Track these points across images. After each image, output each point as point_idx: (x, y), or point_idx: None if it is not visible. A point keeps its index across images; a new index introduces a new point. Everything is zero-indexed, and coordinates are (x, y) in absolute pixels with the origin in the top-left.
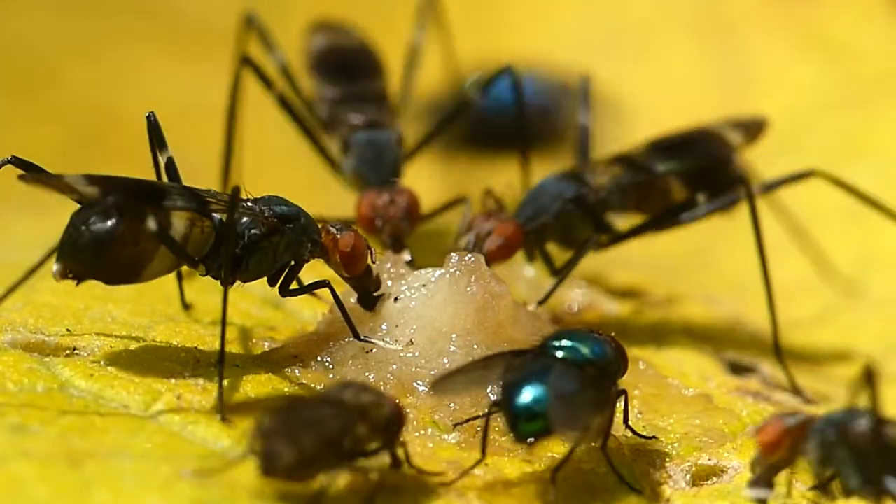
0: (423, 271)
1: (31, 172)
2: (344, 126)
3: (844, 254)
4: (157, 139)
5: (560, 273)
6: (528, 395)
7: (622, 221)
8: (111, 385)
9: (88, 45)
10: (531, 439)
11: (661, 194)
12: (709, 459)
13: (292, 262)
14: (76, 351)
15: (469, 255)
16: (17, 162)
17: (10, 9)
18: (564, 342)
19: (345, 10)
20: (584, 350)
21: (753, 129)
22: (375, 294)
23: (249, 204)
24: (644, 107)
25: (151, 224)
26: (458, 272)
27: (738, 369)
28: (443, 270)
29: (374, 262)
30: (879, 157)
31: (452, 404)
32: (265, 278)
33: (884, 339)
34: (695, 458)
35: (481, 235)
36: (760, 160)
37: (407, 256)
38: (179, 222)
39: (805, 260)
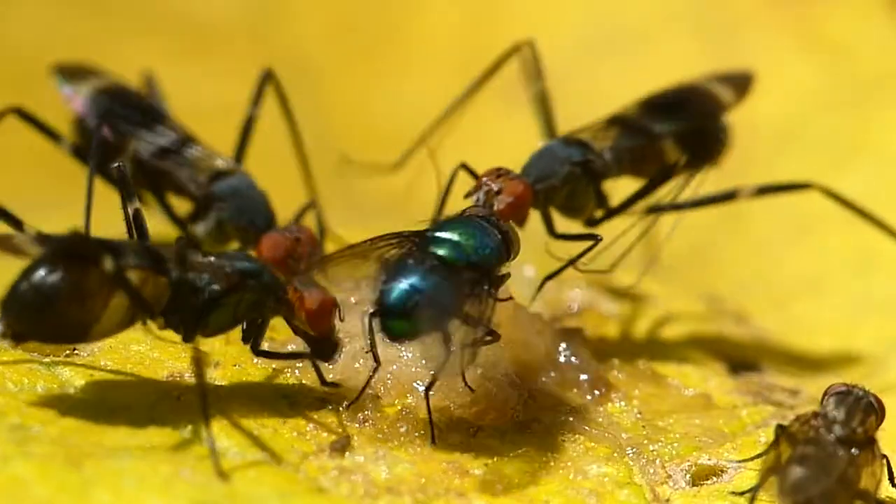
0: None
1: None
2: (189, 181)
3: (845, 254)
4: (126, 190)
5: (560, 238)
6: (398, 295)
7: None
8: (111, 385)
9: (88, 45)
10: (401, 338)
11: (656, 156)
12: (709, 459)
13: (259, 320)
14: (76, 351)
15: None
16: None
17: (10, 9)
18: (447, 235)
19: (345, 11)
20: (467, 248)
21: (742, 84)
22: (334, 343)
23: (210, 259)
24: None
25: (109, 265)
26: None
27: (738, 369)
28: None
29: (341, 320)
30: (879, 157)
31: (452, 404)
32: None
33: (884, 340)
34: (695, 458)
35: (491, 193)
36: (760, 159)
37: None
38: (132, 280)
39: (805, 260)
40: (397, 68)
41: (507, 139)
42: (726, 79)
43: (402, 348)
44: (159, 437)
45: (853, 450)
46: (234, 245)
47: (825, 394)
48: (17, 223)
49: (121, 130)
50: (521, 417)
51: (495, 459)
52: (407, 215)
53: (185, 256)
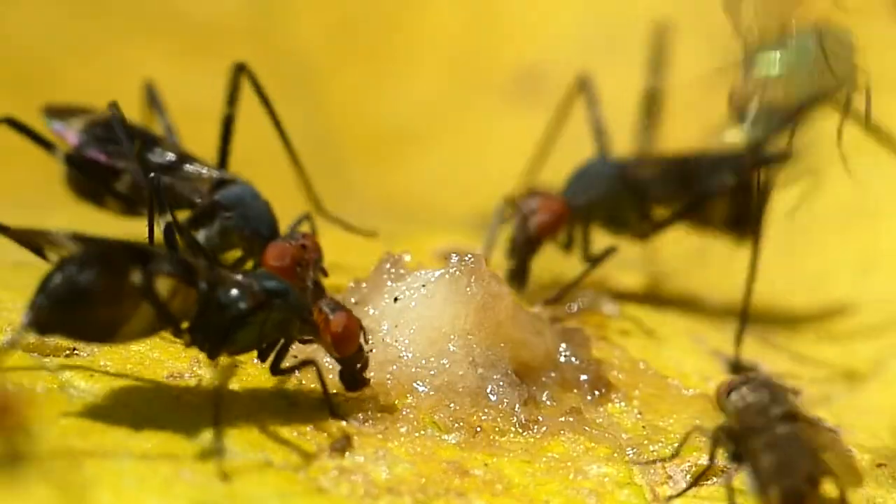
0: (422, 271)
1: (10, 230)
2: (191, 193)
3: (845, 253)
4: (159, 202)
5: (591, 260)
6: None
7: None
8: (111, 385)
9: (88, 45)
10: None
11: (696, 184)
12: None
13: (282, 340)
14: (76, 351)
15: (469, 255)
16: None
17: (10, 9)
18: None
19: (345, 11)
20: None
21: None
22: (361, 375)
23: (238, 277)
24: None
25: (136, 278)
26: (457, 272)
27: (738, 369)
28: (442, 271)
29: (366, 342)
30: (879, 157)
31: (452, 404)
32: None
33: (884, 340)
34: (695, 458)
35: (526, 215)
36: None
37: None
38: (162, 287)
39: (805, 260)
40: (397, 68)
41: (507, 139)
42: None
43: (403, 348)
44: (159, 437)
45: (797, 423)
46: (237, 254)
47: (727, 392)
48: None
49: (119, 155)
50: (521, 417)
51: (495, 459)
52: (406, 215)
53: (216, 270)
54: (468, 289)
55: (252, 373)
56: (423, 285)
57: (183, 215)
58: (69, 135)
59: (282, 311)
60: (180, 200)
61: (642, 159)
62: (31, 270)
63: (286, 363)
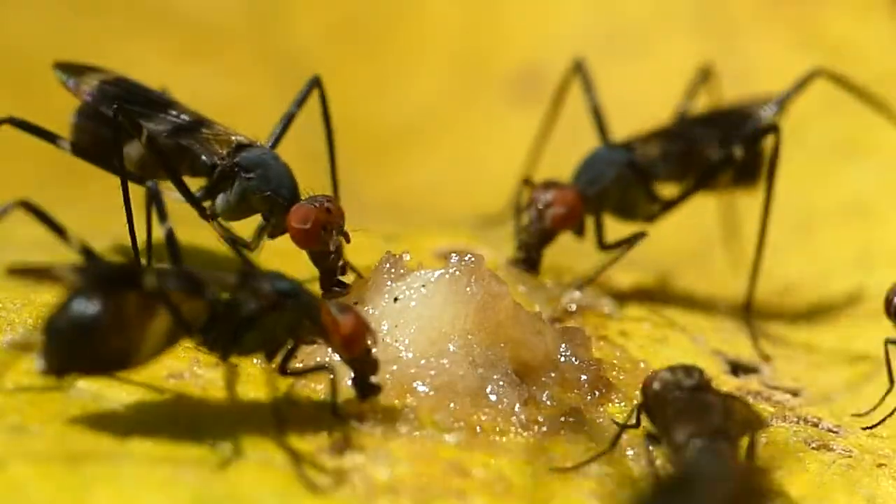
0: (422, 271)
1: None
2: (209, 155)
3: (845, 253)
4: (159, 210)
5: (607, 248)
6: None
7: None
8: (111, 385)
9: (88, 45)
10: None
11: (701, 159)
12: None
13: (291, 342)
14: None
15: (469, 255)
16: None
17: (10, 9)
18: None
19: (345, 11)
20: None
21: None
22: (373, 381)
23: (249, 278)
24: (643, 106)
25: (151, 281)
26: (457, 272)
27: (738, 369)
28: (442, 270)
29: (374, 345)
30: (879, 157)
31: (452, 404)
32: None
33: (884, 340)
34: None
35: (541, 208)
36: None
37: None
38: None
39: (805, 259)
40: (397, 68)
41: (507, 139)
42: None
43: (403, 348)
44: (159, 437)
45: (712, 393)
46: (256, 218)
47: (649, 384)
48: (59, 231)
49: (134, 115)
50: (521, 417)
51: (495, 459)
52: (406, 215)
53: (223, 277)
54: (468, 289)
55: (252, 373)
56: (423, 285)
57: (197, 185)
58: (84, 91)
59: (293, 312)
60: (198, 165)
61: (645, 140)
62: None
63: (298, 364)
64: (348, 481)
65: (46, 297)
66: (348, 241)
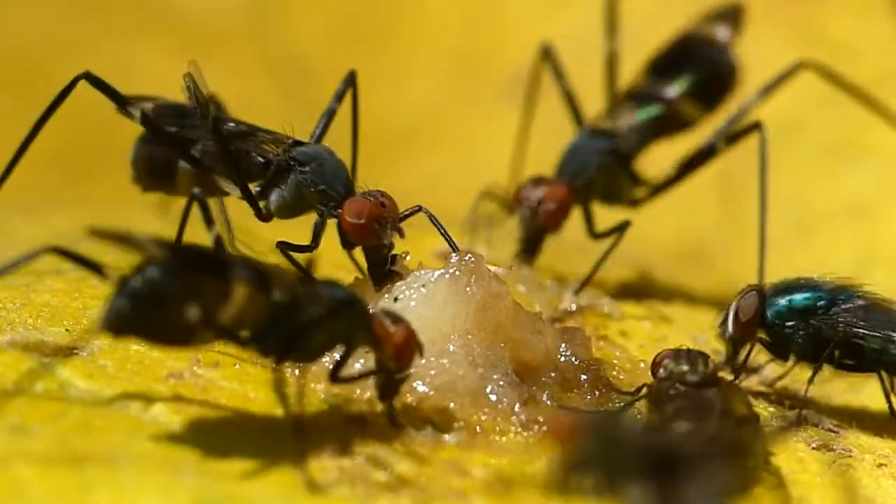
0: (423, 271)
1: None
2: (265, 154)
3: (845, 252)
4: (207, 218)
5: (599, 237)
6: None
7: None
8: (111, 385)
9: (88, 45)
10: None
11: (676, 119)
12: None
13: (344, 349)
14: (75, 351)
15: (469, 255)
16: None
17: (10, 9)
18: None
19: (345, 11)
20: None
21: (733, 16)
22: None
23: (310, 284)
24: None
25: (193, 314)
26: (457, 272)
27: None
28: (443, 270)
29: (421, 356)
30: (879, 157)
31: (452, 404)
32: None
33: None
34: None
35: (533, 206)
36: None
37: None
38: (239, 294)
39: (805, 259)
40: (397, 69)
41: (506, 139)
42: (717, 16)
43: None
44: (159, 438)
45: (714, 389)
46: (311, 214)
47: (655, 365)
48: (97, 269)
49: (192, 128)
50: (521, 417)
51: (495, 459)
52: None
53: (286, 279)
54: (468, 289)
55: (252, 373)
56: (423, 285)
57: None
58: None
59: (348, 320)
60: (253, 169)
61: (618, 115)
62: (28, 270)
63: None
64: (348, 481)
65: (46, 297)
66: (402, 235)
